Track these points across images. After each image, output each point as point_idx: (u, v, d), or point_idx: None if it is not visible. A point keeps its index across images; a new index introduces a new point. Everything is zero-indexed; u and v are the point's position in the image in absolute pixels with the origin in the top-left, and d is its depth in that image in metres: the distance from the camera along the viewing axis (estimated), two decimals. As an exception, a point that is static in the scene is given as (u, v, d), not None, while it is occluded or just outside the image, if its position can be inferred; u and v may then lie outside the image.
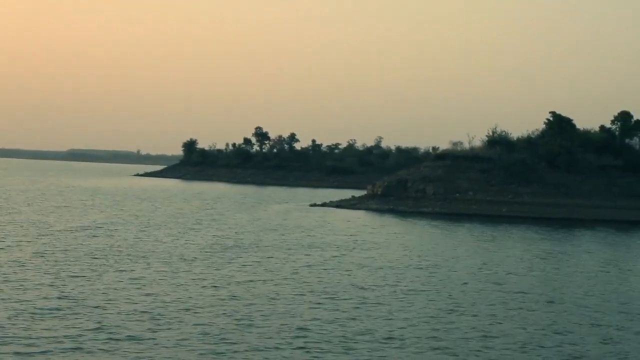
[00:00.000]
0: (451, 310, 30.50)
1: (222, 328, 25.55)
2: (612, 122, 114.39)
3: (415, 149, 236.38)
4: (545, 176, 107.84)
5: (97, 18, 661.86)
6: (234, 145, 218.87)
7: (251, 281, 35.46)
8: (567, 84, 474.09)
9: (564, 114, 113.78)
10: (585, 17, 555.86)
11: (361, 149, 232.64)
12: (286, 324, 26.43)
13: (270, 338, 24.43)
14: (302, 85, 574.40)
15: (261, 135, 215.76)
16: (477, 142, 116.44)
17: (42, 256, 40.53)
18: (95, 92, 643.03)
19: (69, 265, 37.75)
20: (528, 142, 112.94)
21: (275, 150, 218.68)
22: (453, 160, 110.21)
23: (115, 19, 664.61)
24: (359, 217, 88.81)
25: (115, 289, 31.70)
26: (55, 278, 33.83)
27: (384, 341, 24.83)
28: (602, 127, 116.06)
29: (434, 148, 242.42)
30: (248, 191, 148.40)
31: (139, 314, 27.15)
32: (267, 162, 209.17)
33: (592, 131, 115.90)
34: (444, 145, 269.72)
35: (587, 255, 55.21)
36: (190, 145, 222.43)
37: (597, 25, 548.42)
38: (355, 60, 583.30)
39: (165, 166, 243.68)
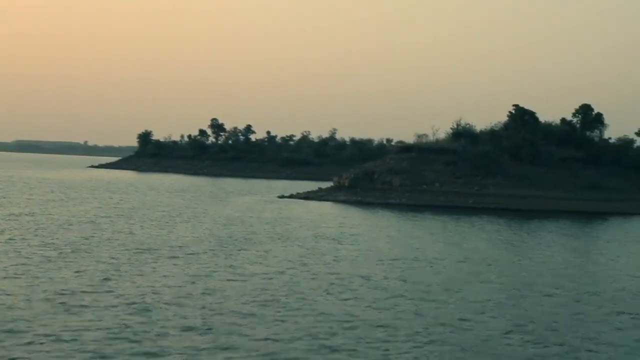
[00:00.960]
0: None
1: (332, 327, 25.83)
2: (574, 115, 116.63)
3: (369, 141, 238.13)
4: (509, 168, 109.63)
5: (43, 5, 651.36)
6: (189, 136, 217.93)
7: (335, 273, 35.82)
8: (529, 77, 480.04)
9: (526, 106, 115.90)
10: (547, 12, 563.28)
11: (316, 140, 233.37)
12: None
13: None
14: (256, 76, 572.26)
15: (217, 126, 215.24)
16: (442, 135, 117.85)
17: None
18: (42, 83, 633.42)
19: (157, 263, 37.73)
20: (491, 135, 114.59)
21: (230, 141, 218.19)
22: (418, 153, 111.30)
23: (62, 5, 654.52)
24: (332, 209, 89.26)
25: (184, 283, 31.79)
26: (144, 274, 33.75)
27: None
28: (563, 120, 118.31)
29: (387, 140, 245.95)
30: (208, 183, 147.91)
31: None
32: (224, 153, 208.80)
33: (553, 124, 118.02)
34: (398, 137, 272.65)
35: (551, 245, 56.60)
36: (145, 137, 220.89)
37: (559, 20, 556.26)
38: (307, 51, 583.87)
39: (119, 158, 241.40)
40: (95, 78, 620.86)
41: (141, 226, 56.08)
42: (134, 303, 28.00)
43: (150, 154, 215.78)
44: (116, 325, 24.59)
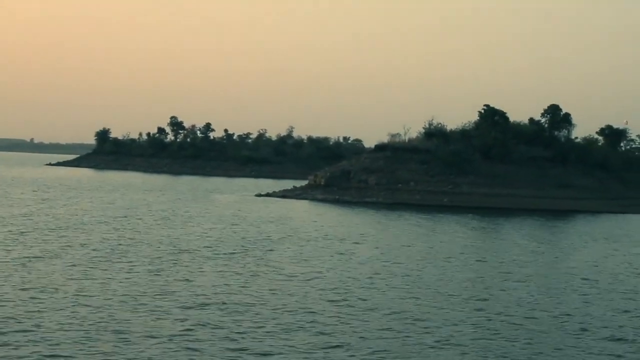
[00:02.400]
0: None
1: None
2: (542, 115, 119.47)
3: (326, 139, 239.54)
4: (481, 167, 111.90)
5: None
6: (148, 134, 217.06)
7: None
8: (496, 76, 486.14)
9: (493, 106, 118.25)
10: (515, 13, 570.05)
11: (274, 138, 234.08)
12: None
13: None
14: (212, 74, 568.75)
15: (176, 124, 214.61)
16: (413, 134, 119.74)
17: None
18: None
19: (207, 264, 38.38)
20: (462, 134, 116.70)
21: (188, 139, 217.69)
22: (393, 152, 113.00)
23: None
24: (315, 207, 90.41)
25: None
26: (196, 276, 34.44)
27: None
28: (531, 120, 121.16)
29: (344, 138, 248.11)
30: (174, 181, 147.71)
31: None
32: (183, 151, 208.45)
33: (521, 123, 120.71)
34: (355, 135, 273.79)
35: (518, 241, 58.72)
36: (103, 135, 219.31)
37: (527, 21, 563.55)
38: (265, 49, 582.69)
39: (66, 155, 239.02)
40: (41, 74, 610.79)
41: (155, 226, 56.59)
42: (223, 303, 28.87)
43: (109, 152, 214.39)
44: (215, 323, 25.52)
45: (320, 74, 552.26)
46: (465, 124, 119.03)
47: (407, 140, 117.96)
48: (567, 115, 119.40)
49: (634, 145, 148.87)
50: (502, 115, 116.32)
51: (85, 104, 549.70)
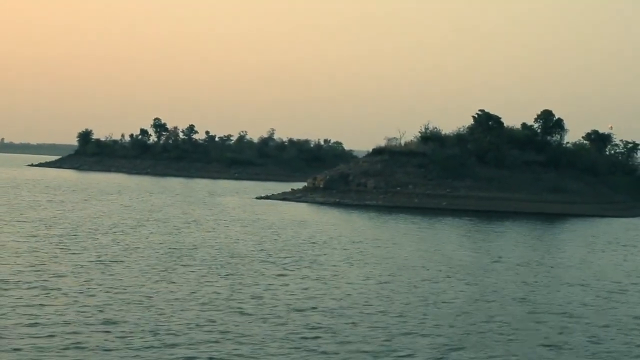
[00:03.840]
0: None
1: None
2: (535, 120, 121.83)
3: (307, 141, 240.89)
4: (477, 171, 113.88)
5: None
6: (131, 136, 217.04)
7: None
8: (490, 81, 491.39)
9: (487, 111, 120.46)
10: (507, 18, 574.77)
11: (255, 140, 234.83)
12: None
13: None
14: (194, 76, 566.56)
15: (159, 126, 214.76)
16: (409, 138, 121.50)
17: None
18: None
19: (267, 269, 39.49)
20: (458, 139, 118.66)
21: (171, 141, 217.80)
22: (391, 156, 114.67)
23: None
24: (320, 211, 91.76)
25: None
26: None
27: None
28: (524, 125, 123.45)
29: (325, 140, 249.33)
30: (165, 183, 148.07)
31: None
32: (167, 153, 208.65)
33: (514, 128, 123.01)
34: (335, 137, 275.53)
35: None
36: (85, 136, 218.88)
37: (519, 27, 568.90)
38: (246, 54, 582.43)
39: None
40: (11, 71, 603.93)
41: (192, 230, 57.64)
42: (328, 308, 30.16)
43: (91, 153, 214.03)
44: (324, 326, 26.86)
45: (300, 77, 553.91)
46: (460, 128, 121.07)
47: (403, 144, 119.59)
48: (560, 120, 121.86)
49: (617, 150, 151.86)
50: (496, 120, 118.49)
51: (48, 104, 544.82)
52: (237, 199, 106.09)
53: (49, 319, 25.66)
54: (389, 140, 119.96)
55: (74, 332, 24.10)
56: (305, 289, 33.97)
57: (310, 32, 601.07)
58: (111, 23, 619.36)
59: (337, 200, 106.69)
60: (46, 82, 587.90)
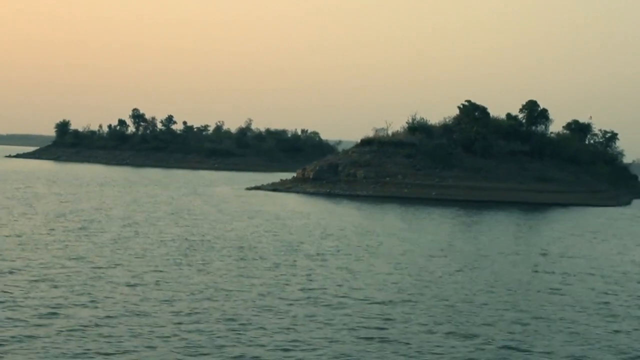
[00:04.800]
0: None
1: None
2: (520, 110, 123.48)
3: (284, 131, 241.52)
4: (464, 161, 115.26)
5: None
6: (109, 126, 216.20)
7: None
8: (478, 71, 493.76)
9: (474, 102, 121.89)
10: (494, 12, 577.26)
11: (232, 131, 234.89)
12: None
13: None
14: (171, 67, 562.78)
15: (138, 117, 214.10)
16: (396, 128, 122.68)
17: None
18: None
19: (316, 264, 40.02)
20: (444, 129, 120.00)
21: (149, 131, 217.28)
22: (379, 146, 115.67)
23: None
24: (314, 202, 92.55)
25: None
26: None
27: None
28: (508, 115, 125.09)
29: (302, 130, 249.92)
30: (147, 174, 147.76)
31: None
32: (146, 143, 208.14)
33: (499, 118, 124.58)
34: (311, 127, 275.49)
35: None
36: (63, 127, 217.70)
37: (504, 20, 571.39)
38: (224, 42, 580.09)
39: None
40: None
41: (210, 222, 58.23)
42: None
43: (70, 144, 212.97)
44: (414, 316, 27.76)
45: (276, 67, 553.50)
46: (445, 119, 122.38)
47: (391, 135, 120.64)
48: (545, 110, 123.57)
49: (597, 140, 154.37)
50: (483, 110, 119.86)
51: (30, 95, 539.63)
52: (229, 189, 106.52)
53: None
54: (377, 130, 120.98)
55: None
56: (349, 280, 34.84)
57: (291, 22, 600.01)
58: (89, 13, 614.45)
59: (328, 190, 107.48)
60: (20, 72, 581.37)
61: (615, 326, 28.00)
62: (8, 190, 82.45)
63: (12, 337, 22.44)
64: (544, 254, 48.10)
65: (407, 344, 23.95)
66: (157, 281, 32.23)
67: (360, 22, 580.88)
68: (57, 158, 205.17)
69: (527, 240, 57.48)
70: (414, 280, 35.61)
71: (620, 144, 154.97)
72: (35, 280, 30.79)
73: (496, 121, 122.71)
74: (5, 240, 41.77)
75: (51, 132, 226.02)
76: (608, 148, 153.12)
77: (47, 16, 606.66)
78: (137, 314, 26.07)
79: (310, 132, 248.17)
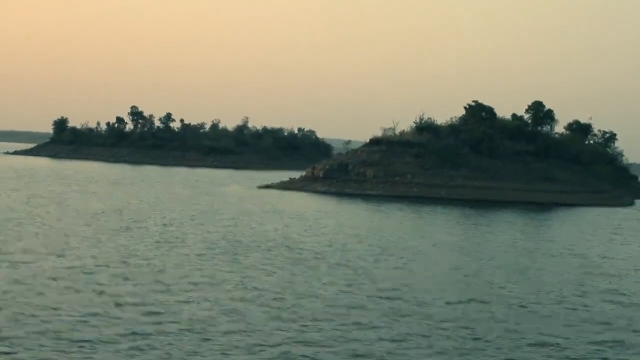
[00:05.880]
0: None
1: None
2: (526, 110, 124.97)
3: (281, 129, 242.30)
4: (471, 161, 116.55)
5: None
6: (107, 124, 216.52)
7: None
8: (483, 74, 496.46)
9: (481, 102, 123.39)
10: (497, 14, 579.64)
11: (229, 129, 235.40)
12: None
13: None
14: (170, 64, 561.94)
15: (136, 114, 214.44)
16: (402, 128, 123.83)
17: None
18: None
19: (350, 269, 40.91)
20: (451, 129, 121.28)
21: (146, 128, 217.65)
22: (388, 146, 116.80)
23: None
24: (328, 201, 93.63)
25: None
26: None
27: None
28: (514, 116, 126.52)
29: (299, 129, 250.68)
30: (151, 171, 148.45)
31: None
32: (144, 141, 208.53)
33: (505, 119, 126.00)
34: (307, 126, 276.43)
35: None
36: (61, 124, 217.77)
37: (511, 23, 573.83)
38: (222, 40, 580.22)
39: (28, 143, 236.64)
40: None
41: (247, 223, 59.15)
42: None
43: (68, 141, 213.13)
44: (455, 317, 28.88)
45: (272, 66, 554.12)
46: (452, 119, 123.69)
47: (398, 134, 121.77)
48: (550, 111, 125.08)
49: (596, 140, 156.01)
50: (489, 110, 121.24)
51: (29, 91, 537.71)
52: (241, 188, 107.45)
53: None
54: (385, 130, 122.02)
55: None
56: (410, 280, 35.90)
57: (290, 20, 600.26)
58: (87, 9, 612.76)
59: (338, 189, 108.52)
60: (18, 69, 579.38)
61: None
62: (42, 191, 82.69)
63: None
64: (583, 256, 49.36)
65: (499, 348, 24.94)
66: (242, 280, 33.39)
67: (363, 21, 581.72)
68: (54, 155, 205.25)
69: (561, 242, 58.73)
70: (477, 280, 36.77)
71: (619, 144, 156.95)
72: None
73: (502, 121, 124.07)
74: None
75: (49, 129, 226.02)
76: (607, 148, 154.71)
77: (44, 13, 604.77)
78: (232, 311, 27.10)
79: (307, 131, 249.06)
